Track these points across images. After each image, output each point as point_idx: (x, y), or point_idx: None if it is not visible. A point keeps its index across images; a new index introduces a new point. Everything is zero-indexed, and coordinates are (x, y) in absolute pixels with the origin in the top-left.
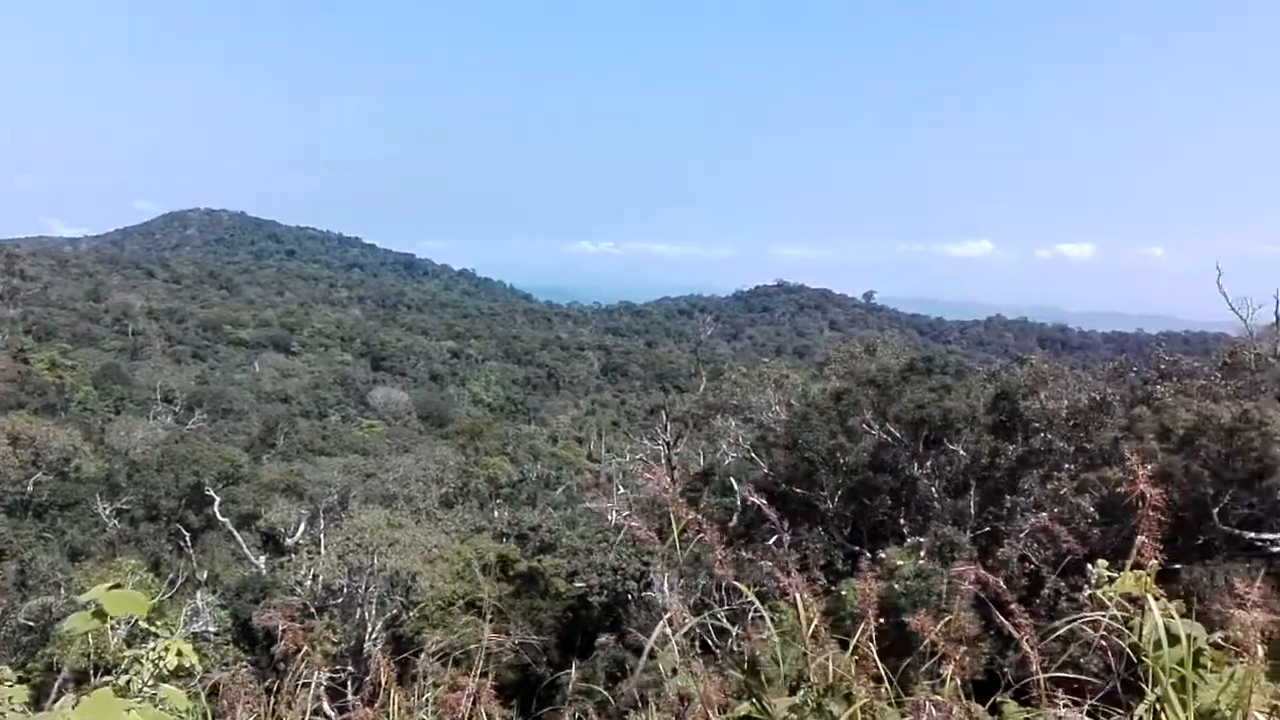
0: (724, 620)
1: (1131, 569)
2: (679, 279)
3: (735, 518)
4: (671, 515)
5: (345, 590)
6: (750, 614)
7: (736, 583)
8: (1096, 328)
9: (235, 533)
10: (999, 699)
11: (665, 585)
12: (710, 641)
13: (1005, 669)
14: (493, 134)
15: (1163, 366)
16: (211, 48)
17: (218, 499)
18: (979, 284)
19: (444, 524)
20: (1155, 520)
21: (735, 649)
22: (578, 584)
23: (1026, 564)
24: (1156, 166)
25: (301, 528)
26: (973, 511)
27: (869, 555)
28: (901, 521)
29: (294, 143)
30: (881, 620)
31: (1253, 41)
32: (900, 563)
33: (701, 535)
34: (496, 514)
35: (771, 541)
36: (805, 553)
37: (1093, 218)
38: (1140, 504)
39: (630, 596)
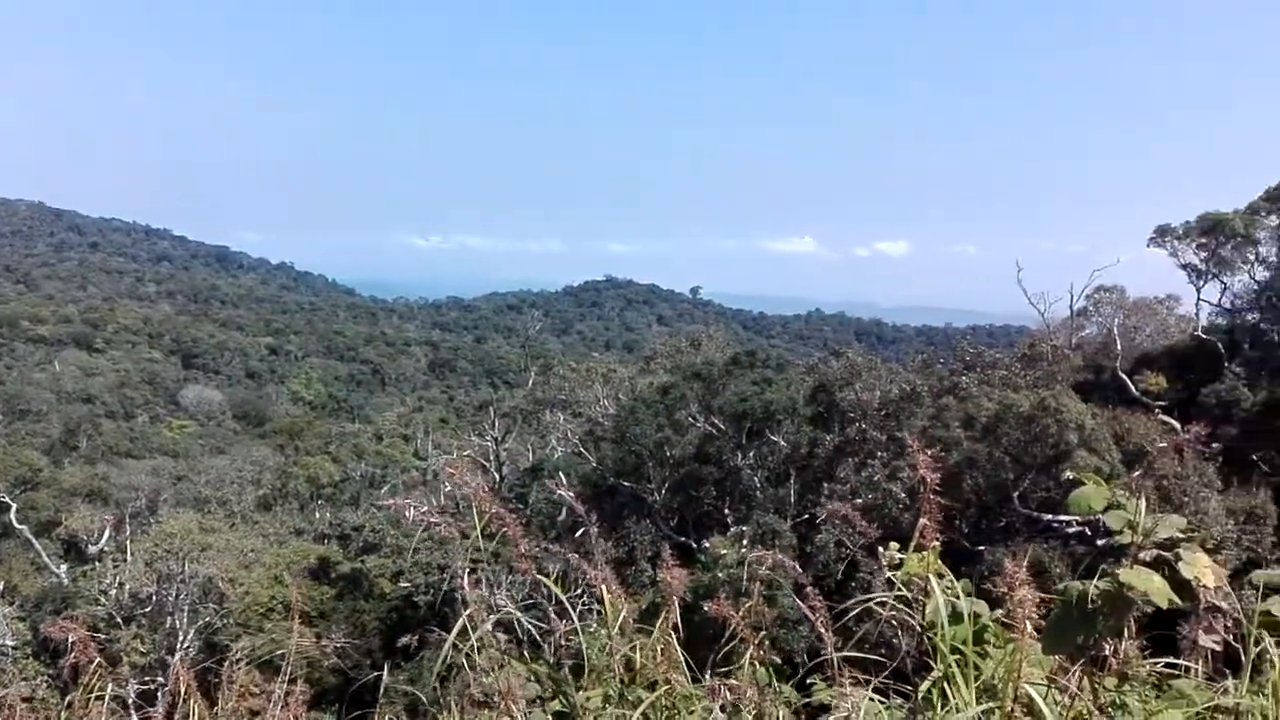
0: (548, 614)
1: (914, 551)
2: (508, 273)
3: (564, 512)
4: (475, 512)
5: (154, 599)
6: (577, 608)
7: (540, 577)
8: (910, 322)
9: (34, 541)
10: (810, 680)
11: (468, 583)
12: (538, 638)
13: (805, 653)
14: (313, 122)
15: (968, 358)
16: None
17: (14, 505)
18: (802, 280)
19: (261, 527)
20: (936, 504)
21: (562, 644)
22: (403, 584)
23: (843, 549)
24: (967, 167)
25: (106, 534)
26: (793, 500)
27: (695, 545)
28: (726, 511)
29: (96, 129)
30: (707, 608)
31: (1058, 53)
32: (724, 551)
33: (504, 529)
34: (318, 515)
35: (580, 534)
36: (633, 545)
37: (908, 217)
38: (922, 488)
39: (457, 595)
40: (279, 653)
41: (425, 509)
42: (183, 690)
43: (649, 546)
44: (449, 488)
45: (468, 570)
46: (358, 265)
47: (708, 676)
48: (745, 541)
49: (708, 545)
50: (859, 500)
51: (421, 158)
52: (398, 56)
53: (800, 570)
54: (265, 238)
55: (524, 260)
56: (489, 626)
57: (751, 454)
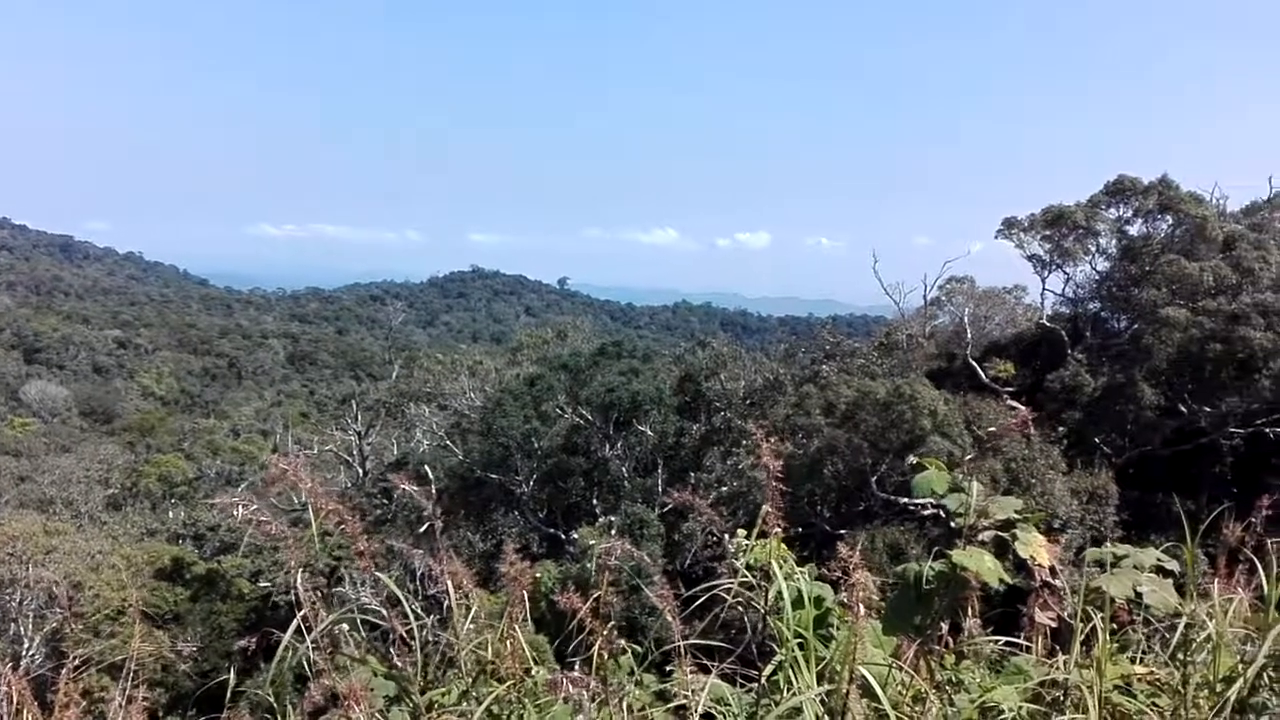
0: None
1: (758, 537)
2: (369, 264)
3: (430, 506)
4: (311, 508)
5: None
6: (445, 604)
7: (380, 575)
8: (773, 312)
9: None
10: (670, 667)
11: (301, 583)
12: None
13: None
14: (165, 108)
15: (828, 347)
16: None
17: None
18: (668, 271)
19: (110, 528)
20: (779, 491)
21: (429, 640)
22: (262, 584)
23: (711, 536)
24: (821, 160)
25: None
26: (660, 489)
27: (564, 536)
28: (595, 502)
29: None
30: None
31: (909, 48)
32: (592, 542)
33: (343, 525)
34: (171, 515)
35: (423, 530)
36: (501, 537)
37: (766, 208)
38: (765, 476)
39: (320, 593)
40: (124, 657)
41: (255, 507)
42: (15, 699)
43: (517, 539)
44: (309, 484)
45: (327, 570)
46: (211, 255)
47: (575, 667)
48: (613, 531)
49: (576, 536)
50: (725, 488)
51: (277, 146)
52: (252, 44)
53: (649, 560)
54: (114, 227)
55: (384, 250)
56: (327, 627)
57: (619, 444)
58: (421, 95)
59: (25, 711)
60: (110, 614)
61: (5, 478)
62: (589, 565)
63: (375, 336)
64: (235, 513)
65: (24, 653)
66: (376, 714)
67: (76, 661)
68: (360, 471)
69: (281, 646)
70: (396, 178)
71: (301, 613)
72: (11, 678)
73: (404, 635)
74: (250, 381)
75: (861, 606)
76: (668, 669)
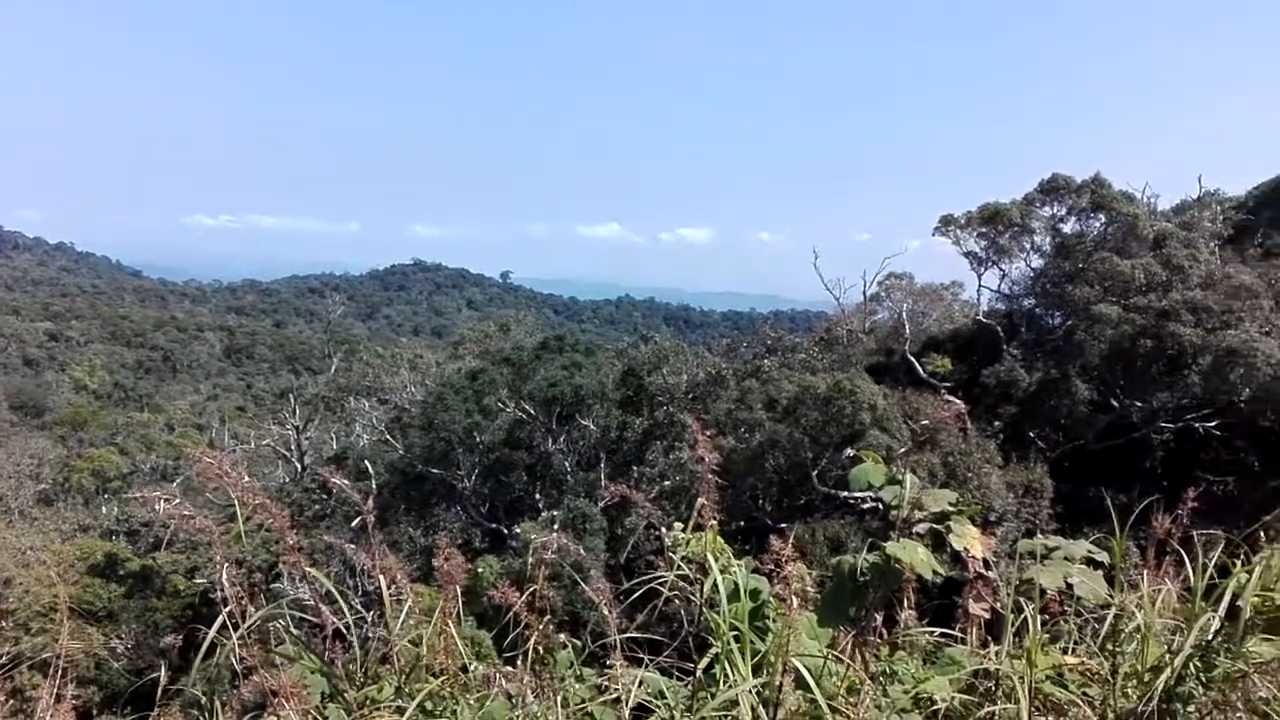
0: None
1: (694, 530)
2: (307, 255)
3: (370, 500)
4: (237, 502)
5: None
6: (382, 600)
7: (311, 570)
8: (716, 307)
9: None
10: (610, 660)
11: (226, 579)
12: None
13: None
14: (94, 95)
15: (770, 342)
16: None
17: None
18: (612, 265)
19: (41, 524)
20: (718, 484)
21: (368, 636)
22: (199, 580)
23: (653, 531)
24: (761, 156)
25: None
26: (603, 483)
27: (507, 531)
28: (537, 496)
29: None
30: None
31: (843, 46)
32: (534, 537)
33: (272, 520)
34: (104, 510)
35: (358, 525)
36: (441, 532)
37: (709, 204)
38: (700, 467)
39: (257, 590)
40: (53, 655)
41: (176, 501)
42: None
43: (459, 534)
44: (247, 480)
45: (266, 566)
46: (145, 246)
47: (516, 662)
48: (556, 526)
49: (519, 531)
50: (668, 482)
51: (213, 136)
52: (188, 35)
53: (584, 553)
54: (45, 216)
55: (323, 241)
56: (255, 622)
57: (562, 439)
58: (360, 86)
59: None
60: (41, 610)
61: None
62: (530, 560)
63: (314, 329)
64: (158, 507)
65: None
66: (311, 711)
67: (5, 659)
68: (298, 466)
69: (206, 642)
70: (335, 169)
71: (227, 608)
72: None
73: (340, 631)
74: (185, 375)
75: (795, 598)
76: (608, 663)
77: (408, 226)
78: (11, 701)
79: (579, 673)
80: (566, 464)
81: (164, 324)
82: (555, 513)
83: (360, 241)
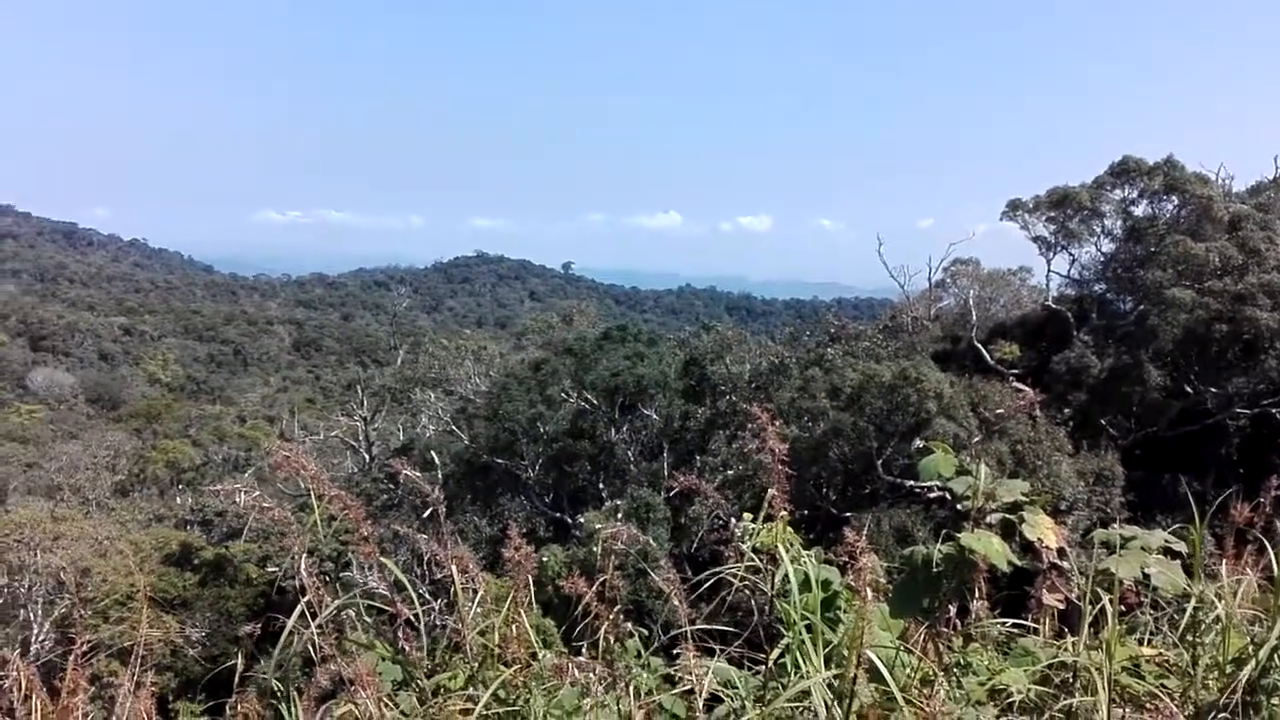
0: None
1: (764, 521)
2: (373, 249)
3: (437, 490)
4: (313, 493)
5: (5, 591)
6: (451, 589)
7: (384, 560)
8: (778, 296)
9: None
10: (677, 651)
11: (305, 568)
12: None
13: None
14: (167, 95)
15: (833, 330)
16: None
17: None
18: (672, 255)
19: (118, 514)
20: (786, 474)
21: (434, 624)
22: (270, 569)
23: (716, 520)
24: (821, 142)
25: None
26: (666, 473)
27: (571, 520)
28: (601, 486)
29: None
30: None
31: (906, 28)
32: (598, 526)
33: (346, 510)
34: (178, 501)
35: (429, 515)
36: (507, 522)
37: (768, 192)
38: (770, 459)
39: (327, 578)
40: (133, 643)
41: (257, 494)
42: (23, 685)
43: (523, 523)
44: (312, 470)
45: (334, 555)
46: (215, 242)
47: (583, 651)
48: (620, 516)
49: (583, 520)
50: (731, 472)
51: (280, 132)
52: (253, 34)
53: (654, 544)
54: (116, 214)
55: (387, 235)
56: (332, 612)
57: (625, 428)
58: (423, 82)
59: (34, 698)
60: (118, 599)
61: (13, 465)
62: (595, 549)
63: (380, 322)
64: (237, 499)
65: (34, 639)
66: (384, 698)
67: (85, 648)
68: (366, 457)
69: (285, 631)
70: (400, 163)
71: (306, 598)
72: (20, 664)
73: (410, 620)
74: (256, 368)
75: (869, 590)
76: (675, 653)
77: (469, 219)
78: (91, 688)
79: (647, 662)
80: (629, 454)
81: (234, 318)
82: (619, 502)
83: (424, 235)
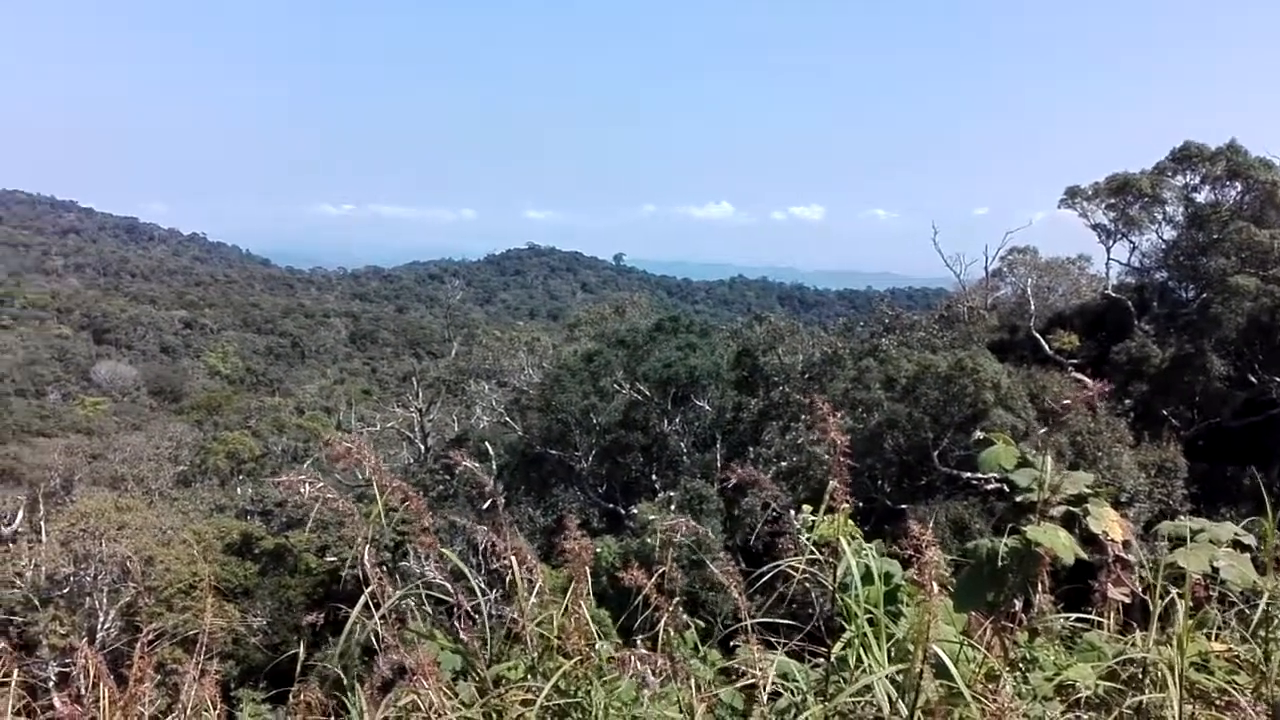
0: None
1: (825, 513)
2: (427, 241)
3: (492, 482)
4: (376, 486)
5: (72, 579)
6: (507, 579)
7: (445, 551)
8: (831, 286)
9: None
10: (734, 644)
11: (368, 559)
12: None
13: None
14: (221, 91)
15: (887, 321)
16: None
17: None
18: (723, 245)
19: (180, 504)
20: (849, 466)
21: (491, 614)
22: (329, 558)
23: (770, 512)
24: (873, 131)
25: (20, 515)
26: (719, 464)
27: (624, 511)
28: (653, 477)
29: None
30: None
31: (957, 16)
32: (652, 517)
33: (407, 501)
34: (239, 491)
35: (487, 505)
36: (561, 513)
37: (820, 181)
38: (832, 451)
39: (386, 568)
40: (197, 631)
41: (320, 484)
42: (92, 672)
43: (577, 514)
44: (373, 461)
45: (392, 545)
46: (271, 235)
47: (636, 643)
48: (673, 507)
49: (636, 511)
50: (784, 463)
51: (332, 126)
52: (298, 26)
53: (713, 537)
54: (176, 208)
55: (440, 228)
56: (395, 602)
57: (677, 419)
58: (474, 74)
59: (102, 685)
60: (182, 588)
61: (78, 456)
62: (649, 540)
63: (434, 314)
64: (302, 490)
65: (99, 626)
66: (444, 688)
67: (150, 635)
68: (422, 448)
69: (350, 621)
70: (452, 156)
71: (369, 588)
72: (88, 651)
73: (469, 610)
74: (313, 360)
75: (934, 584)
76: (732, 645)
77: (522, 211)
78: (157, 676)
79: (704, 654)
80: (682, 445)
81: (292, 311)
82: (672, 494)
83: (476, 227)
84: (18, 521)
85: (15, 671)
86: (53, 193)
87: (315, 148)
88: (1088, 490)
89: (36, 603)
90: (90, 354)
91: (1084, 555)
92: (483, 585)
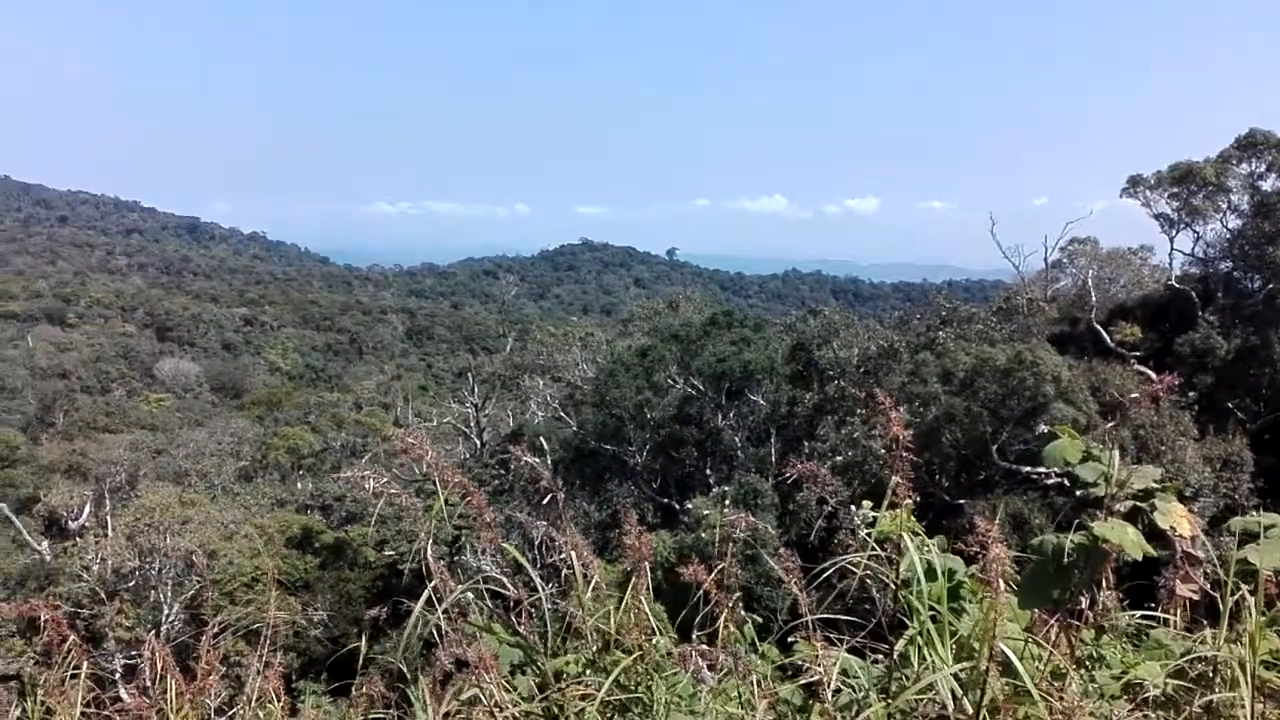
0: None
1: (888, 509)
2: (481, 238)
3: (555, 479)
4: (437, 481)
5: (137, 573)
6: (562, 573)
7: (506, 545)
8: (886, 279)
9: (14, 518)
10: (792, 639)
11: (431, 554)
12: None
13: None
14: (278, 91)
15: (944, 313)
16: None
17: None
18: (776, 239)
19: (242, 499)
20: (910, 461)
21: (545, 610)
22: (387, 552)
23: (825, 506)
24: (928, 123)
25: (86, 510)
26: (774, 459)
27: (678, 506)
28: (708, 472)
29: (60, 101)
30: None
31: (1002, 9)
32: (706, 512)
33: (468, 497)
34: (299, 486)
35: (546, 500)
36: (616, 507)
37: (875, 174)
38: (894, 446)
39: (444, 562)
40: (260, 624)
41: (384, 479)
42: (159, 665)
43: (631, 509)
44: (434, 458)
45: (450, 539)
46: (329, 233)
47: (693, 638)
48: (727, 502)
49: (690, 506)
50: (839, 458)
51: (391, 126)
52: (359, 30)
53: (772, 532)
54: (236, 207)
55: (493, 224)
56: (456, 596)
57: (731, 414)
58: (529, 72)
59: (169, 677)
60: (244, 581)
61: (143, 451)
62: (704, 535)
63: (489, 310)
64: (367, 486)
65: (164, 619)
66: (503, 681)
67: (216, 629)
68: (478, 443)
69: (414, 615)
70: (505, 153)
71: (433, 583)
72: (156, 645)
73: (529, 605)
74: (371, 356)
75: (1001, 582)
76: (790, 641)
77: (574, 207)
78: (222, 668)
79: (762, 650)
80: (736, 439)
81: (350, 308)
82: (726, 488)
83: (530, 223)
84: (84, 516)
85: (83, 663)
86: (116, 193)
87: (374, 147)
88: (1155, 485)
89: (103, 596)
90: (154, 351)
91: (1152, 552)
92: (537, 579)
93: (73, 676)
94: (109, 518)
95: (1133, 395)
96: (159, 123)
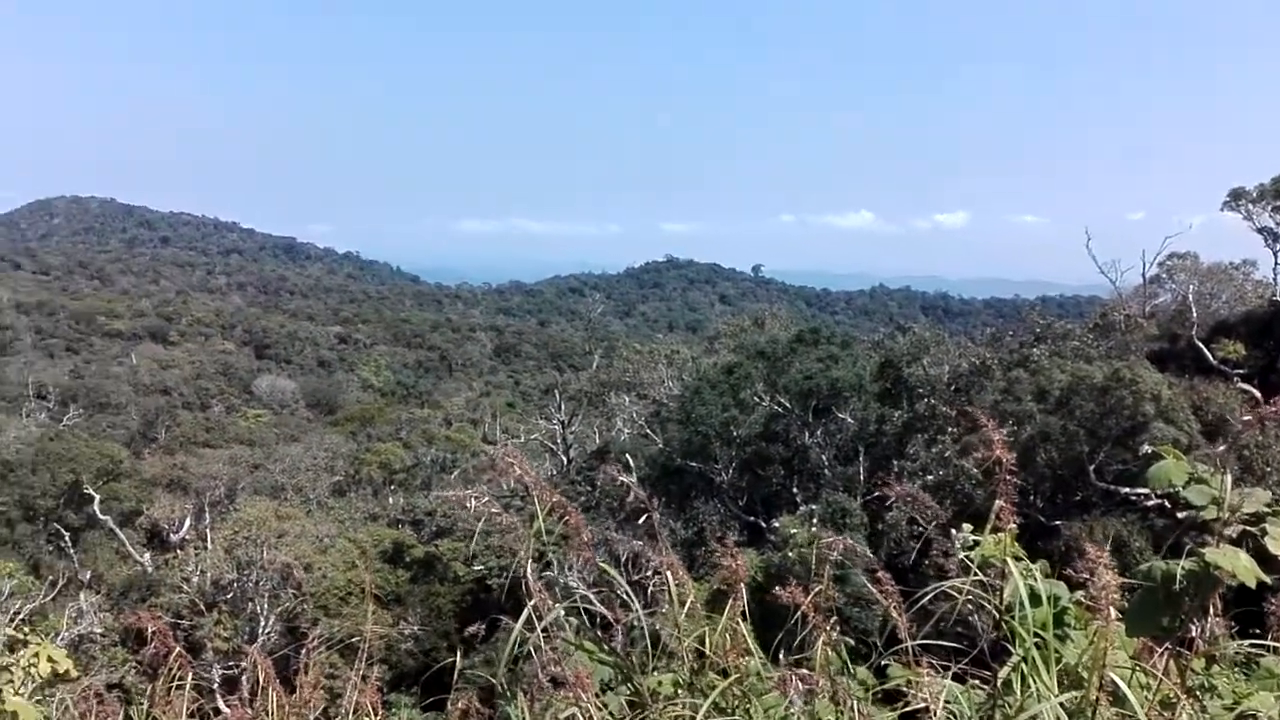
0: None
1: (990, 533)
2: (569, 256)
3: (632, 493)
4: (536, 498)
5: (235, 585)
6: (649, 591)
7: (603, 565)
8: (976, 295)
9: (117, 530)
10: (883, 664)
11: (531, 572)
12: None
13: (879, 633)
14: (372, 113)
15: (1038, 330)
16: (55, 25)
17: (97, 497)
18: (863, 254)
19: (336, 513)
20: (1011, 484)
21: (632, 626)
22: (476, 567)
23: (915, 527)
24: (1018, 135)
25: (187, 523)
26: (862, 477)
27: (764, 524)
28: (794, 490)
29: (162, 125)
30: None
31: (1102, 18)
32: (794, 531)
33: (565, 516)
34: (391, 501)
35: (642, 519)
36: (702, 525)
37: (963, 188)
38: (997, 469)
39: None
40: (355, 636)
41: (485, 499)
42: (261, 677)
43: (718, 527)
44: (531, 476)
45: (535, 557)
46: (420, 252)
47: (781, 660)
48: (815, 521)
49: (777, 525)
50: (930, 477)
51: (482, 145)
52: (448, 51)
53: (869, 554)
54: (331, 228)
55: (581, 243)
56: (556, 614)
57: (819, 432)
58: (617, 87)
59: (270, 689)
60: (339, 595)
61: (241, 466)
62: (790, 554)
63: (575, 327)
64: (469, 504)
65: (260, 631)
66: (597, 700)
67: (314, 641)
68: (564, 459)
69: (515, 632)
70: (593, 172)
71: (532, 600)
72: (259, 657)
73: (623, 623)
74: (460, 373)
75: (1110, 608)
76: (883, 665)
77: (660, 224)
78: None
79: (855, 674)
80: (823, 458)
81: (440, 325)
82: (813, 507)
83: (617, 241)
84: (185, 529)
85: (188, 674)
86: (216, 214)
87: (465, 166)
88: (1265, 509)
89: (202, 607)
90: (252, 368)
91: (1266, 578)
92: (624, 597)
93: (177, 687)
94: (208, 531)
95: (1245, 419)
96: (259, 148)
